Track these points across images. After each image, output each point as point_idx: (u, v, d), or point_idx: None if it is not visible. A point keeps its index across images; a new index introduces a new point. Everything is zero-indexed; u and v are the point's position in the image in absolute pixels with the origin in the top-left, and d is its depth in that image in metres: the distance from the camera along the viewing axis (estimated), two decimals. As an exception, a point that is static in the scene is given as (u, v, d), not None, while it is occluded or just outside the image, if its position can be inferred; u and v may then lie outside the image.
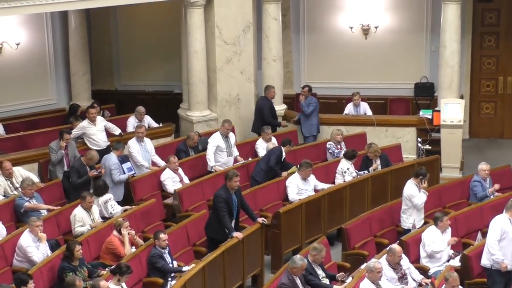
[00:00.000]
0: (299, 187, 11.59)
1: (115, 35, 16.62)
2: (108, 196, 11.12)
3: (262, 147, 13.03)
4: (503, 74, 15.53)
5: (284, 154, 12.23)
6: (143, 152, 12.42)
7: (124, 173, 11.74)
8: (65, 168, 12.02)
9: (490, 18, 15.49)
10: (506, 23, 15.41)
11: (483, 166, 11.57)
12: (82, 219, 10.46)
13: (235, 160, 12.76)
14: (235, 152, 12.84)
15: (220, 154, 12.60)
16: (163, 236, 9.62)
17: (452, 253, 9.99)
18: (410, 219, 10.58)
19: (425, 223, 10.55)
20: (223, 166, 12.45)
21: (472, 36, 15.45)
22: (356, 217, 10.83)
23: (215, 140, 12.60)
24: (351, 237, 10.37)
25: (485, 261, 9.37)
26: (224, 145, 12.55)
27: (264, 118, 13.73)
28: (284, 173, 11.96)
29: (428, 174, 10.70)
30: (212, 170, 12.38)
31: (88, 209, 10.56)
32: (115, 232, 10.02)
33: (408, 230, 10.47)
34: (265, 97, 13.92)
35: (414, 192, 10.57)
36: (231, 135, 12.78)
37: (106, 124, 13.20)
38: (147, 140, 12.59)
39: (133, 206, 11.28)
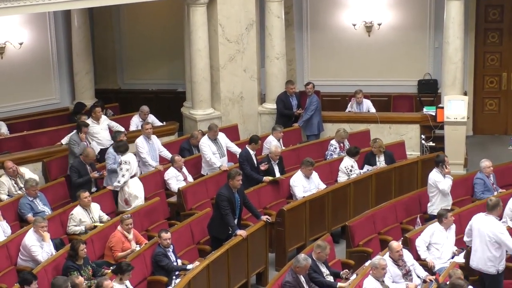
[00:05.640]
0: (304, 185, 11.59)
1: (118, 34, 16.64)
2: (128, 157, 11.19)
3: (266, 146, 12.98)
4: (507, 70, 15.48)
5: (252, 153, 11.97)
6: (151, 151, 12.44)
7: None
8: None
9: (494, 14, 15.45)
10: (510, 19, 15.36)
11: (487, 163, 11.57)
12: (79, 219, 10.47)
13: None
14: (237, 149, 12.69)
15: None
16: (164, 235, 9.64)
17: (456, 250, 9.98)
18: (435, 206, 10.84)
19: (452, 210, 10.53)
20: (217, 169, 12.30)
21: (476, 32, 15.40)
22: (360, 214, 10.84)
23: (206, 145, 12.40)
24: (355, 234, 10.38)
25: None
26: (214, 148, 12.42)
27: (277, 111, 14.09)
28: (266, 178, 11.72)
29: (446, 159, 10.99)
30: (219, 169, 12.31)
31: (86, 206, 10.57)
32: (119, 227, 10.03)
33: (433, 216, 10.56)
34: (284, 92, 14.14)
35: (438, 179, 10.88)
36: (220, 136, 12.61)
37: (109, 123, 13.27)
38: (154, 138, 12.60)
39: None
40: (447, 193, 10.96)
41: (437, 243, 9.87)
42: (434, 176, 10.96)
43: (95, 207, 10.72)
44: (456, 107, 13.53)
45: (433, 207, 10.96)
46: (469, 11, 14.85)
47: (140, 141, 12.41)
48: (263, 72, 14.74)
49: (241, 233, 10.00)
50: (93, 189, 11.65)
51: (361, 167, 12.33)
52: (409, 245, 9.86)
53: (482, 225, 9.19)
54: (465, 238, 9.55)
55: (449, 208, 10.68)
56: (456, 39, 13.76)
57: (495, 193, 11.42)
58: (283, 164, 12.32)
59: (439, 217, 9.97)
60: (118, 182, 11.22)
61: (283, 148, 13.03)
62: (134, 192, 11.27)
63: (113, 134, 12.57)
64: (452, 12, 13.70)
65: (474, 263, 9.22)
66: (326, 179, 12.12)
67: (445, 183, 10.89)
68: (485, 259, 9.12)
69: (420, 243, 9.86)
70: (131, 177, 11.32)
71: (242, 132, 14.29)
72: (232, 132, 13.85)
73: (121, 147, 11.40)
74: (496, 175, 11.84)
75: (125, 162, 11.29)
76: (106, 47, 16.61)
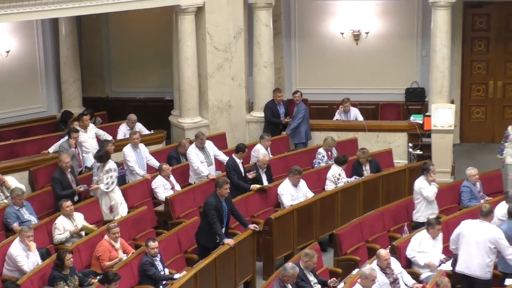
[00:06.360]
0: (291, 194, 11.59)
1: (106, 42, 16.61)
2: (114, 164, 11.21)
3: (254, 155, 12.99)
4: (493, 79, 15.56)
5: (239, 161, 11.96)
6: (138, 159, 12.41)
7: None
8: (78, 168, 12.10)
9: (480, 23, 15.53)
10: (496, 28, 15.46)
11: (472, 171, 11.64)
12: (63, 227, 10.42)
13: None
14: (224, 157, 12.69)
15: None
16: (151, 244, 9.61)
17: (444, 258, 9.99)
18: (419, 213, 10.95)
19: (439, 217, 10.62)
20: (205, 178, 12.28)
21: (463, 41, 15.48)
22: (348, 222, 10.84)
23: (194, 153, 12.39)
24: (343, 242, 10.38)
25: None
26: (202, 156, 12.40)
27: (265, 119, 14.11)
28: (254, 187, 11.71)
29: (432, 167, 11.05)
30: (207, 178, 12.28)
31: (69, 216, 10.50)
32: (106, 237, 9.99)
33: (419, 224, 10.64)
34: (272, 100, 14.16)
35: (423, 185, 10.95)
36: (207, 144, 12.62)
37: (97, 131, 13.23)
38: (141, 146, 12.57)
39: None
40: (432, 201, 11.00)
41: (424, 251, 9.89)
42: (420, 183, 11.01)
43: (79, 216, 10.65)
44: (443, 115, 13.58)
45: (418, 214, 11.03)
46: (456, 20, 14.93)
47: (128, 149, 12.38)
48: (251, 81, 14.75)
49: (229, 241, 9.99)
50: (76, 198, 11.53)
51: (349, 177, 12.33)
52: (397, 253, 9.87)
53: (478, 231, 9.22)
54: (452, 246, 9.57)
55: (434, 216, 10.73)
56: (443, 47, 13.82)
57: (482, 201, 11.45)
58: (271, 173, 12.32)
59: (428, 225, 9.98)
60: (107, 189, 11.18)
61: (271, 156, 13.03)
62: (119, 199, 11.26)
63: (101, 143, 12.53)
64: (439, 21, 13.76)
65: (468, 270, 9.23)
66: (314, 187, 12.12)
67: (430, 190, 10.93)
68: (483, 266, 9.16)
69: (411, 253, 9.87)
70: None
71: (230, 140, 14.28)
72: (220, 141, 13.85)
73: (103, 156, 11.35)
74: (483, 183, 11.89)
75: (114, 169, 11.29)
76: (94, 55, 16.58)
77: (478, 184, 11.73)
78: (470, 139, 15.64)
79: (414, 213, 11.09)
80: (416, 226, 10.86)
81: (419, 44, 15.52)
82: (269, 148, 13.15)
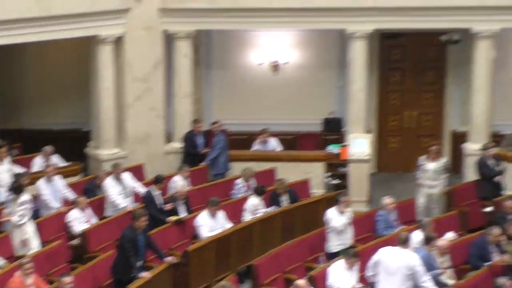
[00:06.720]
0: (209, 225, 11.53)
1: (21, 72, 16.23)
2: (28, 197, 10.97)
3: (172, 186, 12.88)
4: (408, 109, 15.94)
5: (157, 193, 11.90)
6: (53, 192, 12.15)
7: None
8: None
9: (396, 54, 15.93)
10: (411, 59, 15.87)
11: (388, 201, 11.84)
12: None
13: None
14: (142, 189, 12.57)
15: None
16: (65, 279, 9.37)
17: (359, 287, 10.09)
18: (330, 243, 11.02)
19: (353, 247, 10.74)
20: (121, 210, 12.13)
21: (379, 71, 15.82)
22: (266, 253, 10.84)
23: (111, 186, 12.30)
24: (260, 273, 10.38)
25: None
26: (119, 188, 12.29)
27: (184, 149, 14.08)
28: (170, 219, 11.66)
29: (344, 198, 11.14)
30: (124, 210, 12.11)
31: None
32: (18, 273, 9.69)
33: (332, 255, 10.74)
34: (191, 130, 14.15)
35: (332, 216, 11.01)
36: (125, 175, 12.51)
37: (10, 165, 12.88)
38: (56, 178, 12.32)
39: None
40: (341, 231, 11.06)
41: (340, 281, 9.95)
42: (329, 213, 11.10)
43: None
44: (359, 145, 13.84)
45: (329, 244, 11.08)
46: (373, 50, 15.20)
47: (41, 183, 12.13)
48: (170, 111, 14.68)
49: (145, 275, 9.88)
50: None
51: (267, 207, 12.35)
52: (314, 283, 9.91)
53: (395, 258, 9.38)
54: (369, 273, 9.68)
55: (345, 246, 10.84)
56: (360, 78, 14.13)
57: (397, 229, 11.64)
58: (189, 204, 12.25)
59: (345, 255, 10.06)
60: (19, 221, 10.89)
61: (190, 187, 12.96)
62: (33, 233, 10.99)
63: (15, 176, 12.19)
64: (356, 51, 14.09)
65: None
66: (233, 218, 12.10)
67: (338, 221, 11.02)
68: None
69: (333, 284, 9.89)
70: None
71: (148, 171, 14.12)
72: (138, 172, 13.70)
73: (17, 189, 11.12)
74: (399, 212, 12.10)
75: (28, 202, 11.05)
76: (8, 86, 16.16)
77: (393, 213, 11.93)
78: (386, 169, 15.88)
79: (326, 243, 11.17)
80: (329, 257, 10.93)
81: (337, 74, 15.77)
82: (188, 179, 13.08)
